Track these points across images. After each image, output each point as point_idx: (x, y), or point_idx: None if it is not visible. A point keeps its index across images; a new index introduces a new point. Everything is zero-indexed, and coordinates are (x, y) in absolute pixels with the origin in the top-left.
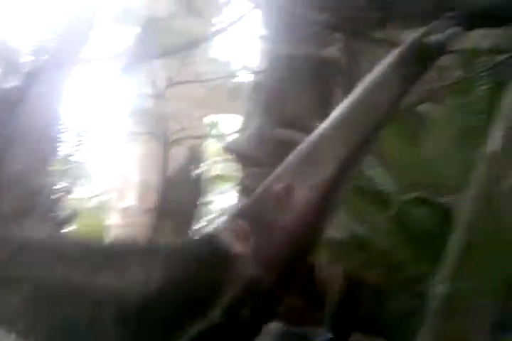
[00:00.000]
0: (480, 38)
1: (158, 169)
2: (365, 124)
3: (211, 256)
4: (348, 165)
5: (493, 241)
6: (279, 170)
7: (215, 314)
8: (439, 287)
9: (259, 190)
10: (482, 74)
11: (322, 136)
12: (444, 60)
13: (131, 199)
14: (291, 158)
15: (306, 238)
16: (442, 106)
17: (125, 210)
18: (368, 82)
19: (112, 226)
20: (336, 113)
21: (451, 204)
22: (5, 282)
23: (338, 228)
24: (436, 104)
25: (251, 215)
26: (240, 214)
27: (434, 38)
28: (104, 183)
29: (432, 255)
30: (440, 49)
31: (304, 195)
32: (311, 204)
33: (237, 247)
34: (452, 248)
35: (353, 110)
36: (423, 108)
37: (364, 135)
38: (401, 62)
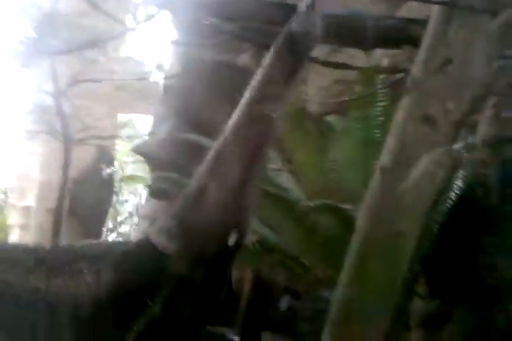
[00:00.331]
0: (380, 56)
1: (61, 168)
2: (260, 126)
3: (148, 257)
4: (251, 168)
5: (384, 249)
6: (195, 174)
7: (156, 309)
8: (336, 292)
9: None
10: (380, 90)
11: (226, 143)
12: (352, 75)
13: (31, 199)
14: (203, 163)
15: (224, 236)
16: (347, 119)
17: (25, 210)
18: (257, 80)
19: (13, 226)
20: (232, 119)
21: (354, 211)
22: None
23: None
24: (342, 116)
25: (177, 216)
26: (168, 214)
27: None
28: (4, 182)
29: (335, 260)
30: (308, 40)
31: (215, 195)
32: (222, 204)
33: (169, 247)
34: (349, 255)
35: (245, 115)
36: (331, 119)
37: (261, 137)
38: (280, 53)
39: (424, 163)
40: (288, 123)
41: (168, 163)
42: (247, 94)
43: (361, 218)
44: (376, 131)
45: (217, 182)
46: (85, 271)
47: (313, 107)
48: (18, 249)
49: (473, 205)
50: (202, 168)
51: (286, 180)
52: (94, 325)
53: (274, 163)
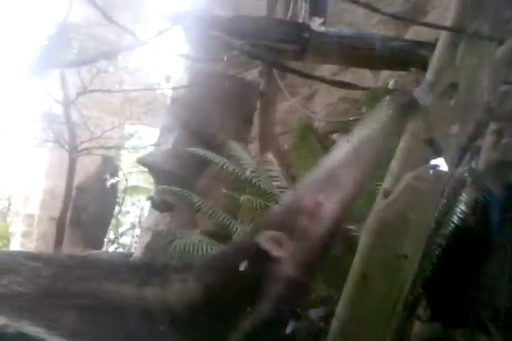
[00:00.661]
0: (387, 77)
1: (65, 177)
2: (370, 159)
3: (256, 259)
4: (360, 188)
5: (385, 271)
6: (303, 189)
7: (265, 310)
8: (337, 312)
9: (288, 203)
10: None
11: (341, 163)
12: (357, 93)
13: (34, 207)
14: (314, 179)
15: (329, 244)
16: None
17: (28, 217)
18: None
19: (15, 233)
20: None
21: (357, 232)
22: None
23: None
24: (347, 134)
25: (285, 225)
26: (273, 224)
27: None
28: (9, 189)
29: (337, 280)
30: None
31: (330, 209)
32: (335, 217)
33: (277, 252)
34: (351, 275)
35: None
36: (336, 137)
37: (370, 167)
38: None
39: (406, 179)
40: (293, 140)
41: (172, 175)
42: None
43: (363, 239)
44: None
45: (332, 198)
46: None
47: (319, 124)
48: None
49: (474, 229)
50: (313, 185)
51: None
52: (193, 332)
53: (278, 180)
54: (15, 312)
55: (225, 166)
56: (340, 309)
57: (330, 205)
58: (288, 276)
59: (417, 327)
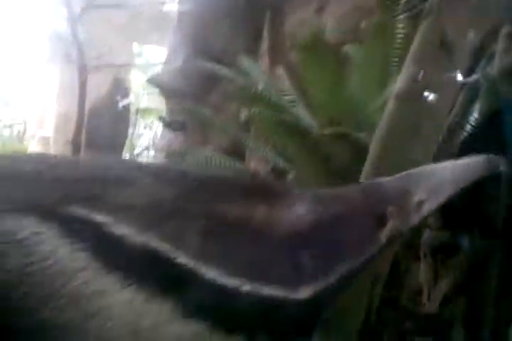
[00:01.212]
0: None
1: (77, 99)
2: None
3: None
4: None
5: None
6: (413, 180)
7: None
8: None
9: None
10: (400, 16)
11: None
12: (372, 2)
13: (49, 130)
14: (424, 177)
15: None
16: (365, 48)
17: (43, 140)
18: None
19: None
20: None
21: (368, 140)
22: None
23: (261, 162)
24: (359, 44)
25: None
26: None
27: None
28: (24, 112)
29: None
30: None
31: (429, 207)
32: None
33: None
34: (362, 180)
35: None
36: (348, 48)
37: None
38: None
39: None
40: (304, 54)
41: (183, 94)
42: None
43: (374, 145)
44: (394, 59)
45: (434, 199)
46: None
47: (330, 36)
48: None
49: (486, 136)
50: (421, 183)
51: (301, 110)
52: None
53: (290, 94)
54: (141, 224)
55: (235, 80)
56: None
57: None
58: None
59: (426, 234)
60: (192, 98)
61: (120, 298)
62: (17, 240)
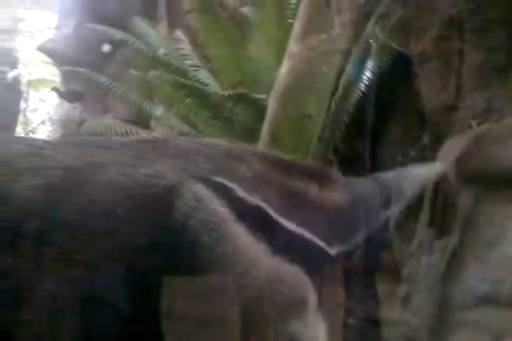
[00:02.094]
0: None
1: None
2: None
3: None
4: None
5: (293, 131)
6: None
7: None
8: None
9: None
10: None
11: None
12: None
13: None
14: None
15: None
16: (263, 10)
17: None
18: None
19: None
20: None
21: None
22: None
23: (167, 127)
24: (256, 7)
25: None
26: None
27: None
28: None
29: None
30: None
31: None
32: None
33: None
34: (261, 138)
35: None
36: (246, 11)
37: None
38: None
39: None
40: (203, 18)
41: (77, 62)
42: None
43: (271, 104)
44: (289, 21)
45: None
46: None
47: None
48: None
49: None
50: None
51: (204, 75)
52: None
53: (191, 59)
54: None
55: (130, 43)
56: None
57: None
58: None
59: None
60: (88, 66)
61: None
62: (197, 199)
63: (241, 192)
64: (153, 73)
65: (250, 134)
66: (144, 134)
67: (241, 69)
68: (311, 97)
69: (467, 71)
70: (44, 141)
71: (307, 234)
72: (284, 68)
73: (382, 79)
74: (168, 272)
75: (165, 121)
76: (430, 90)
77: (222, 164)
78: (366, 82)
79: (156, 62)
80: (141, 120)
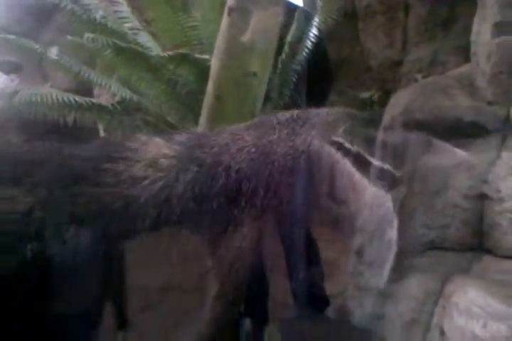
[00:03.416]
0: None
1: None
2: None
3: None
4: None
5: (237, 89)
6: None
7: None
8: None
9: None
10: None
11: None
12: None
13: None
14: None
15: None
16: None
17: None
18: None
19: None
20: None
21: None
22: None
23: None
24: None
25: None
26: None
27: None
28: None
29: (199, 113)
30: None
31: None
32: None
33: None
34: (206, 98)
35: None
36: None
37: None
38: None
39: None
40: None
41: (8, 30)
42: None
43: (214, 62)
44: None
45: None
46: None
47: None
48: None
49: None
50: None
51: (144, 38)
52: None
53: (130, 21)
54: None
55: (63, 6)
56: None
57: None
58: None
59: None
60: (21, 34)
61: None
62: (331, 156)
63: (347, 145)
64: (88, 36)
65: (195, 97)
66: (82, 101)
67: (183, 30)
68: (253, 54)
69: (412, 25)
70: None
71: (386, 166)
72: (224, 24)
73: (329, 35)
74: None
75: (106, 88)
76: (376, 45)
77: (330, 128)
78: (313, 40)
79: (92, 25)
80: (83, 88)
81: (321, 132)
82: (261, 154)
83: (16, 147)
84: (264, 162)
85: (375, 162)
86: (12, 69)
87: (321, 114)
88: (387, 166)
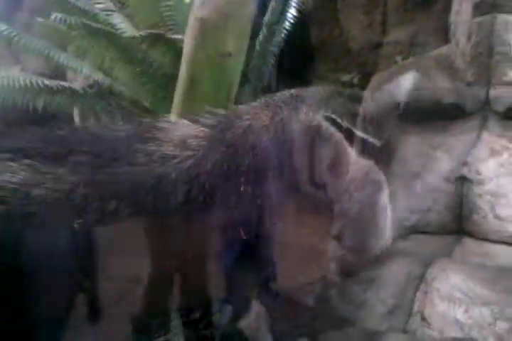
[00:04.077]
0: None
1: None
2: None
3: None
4: None
5: (212, 70)
6: None
7: None
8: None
9: None
10: None
11: None
12: None
13: None
14: None
15: None
16: None
17: None
18: None
19: None
20: None
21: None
22: None
23: (79, 79)
24: None
25: None
26: None
27: None
28: None
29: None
30: None
31: None
32: None
33: None
34: (179, 81)
35: None
36: None
37: None
38: None
39: None
40: None
41: None
42: None
43: (187, 42)
44: None
45: None
46: None
47: None
48: None
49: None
50: None
51: (117, 20)
52: None
53: (102, 3)
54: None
55: None
56: (173, 114)
57: None
58: None
59: None
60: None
61: None
62: (327, 129)
63: (339, 120)
64: (56, 16)
65: (171, 79)
66: (52, 85)
67: (157, 11)
68: (228, 34)
69: (392, 5)
70: None
71: (370, 138)
72: (196, 2)
73: (307, 16)
74: None
75: (79, 72)
76: (356, 27)
77: (325, 104)
78: (291, 20)
79: (63, 6)
80: (58, 74)
81: (317, 108)
82: (279, 132)
83: (59, 130)
84: (284, 139)
85: (361, 135)
86: None
87: (314, 91)
88: (371, 139)
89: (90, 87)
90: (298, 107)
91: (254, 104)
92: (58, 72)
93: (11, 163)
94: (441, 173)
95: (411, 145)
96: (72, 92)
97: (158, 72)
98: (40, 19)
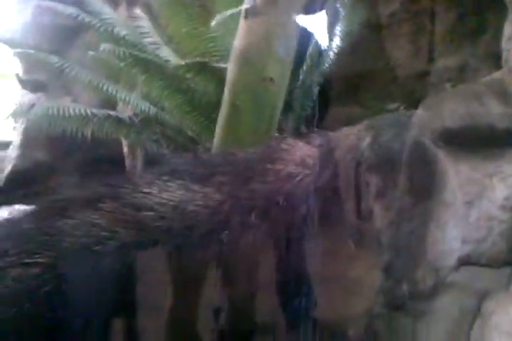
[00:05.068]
0: None
1: None
2: None
3: None
4: None
5: (254, 96)
6: None
7: None
8: (215, 143)
9: None
10: None
11: None
12: None
13: None
14: None
15: None
16: None
17: None
18: None
19: None
20: None
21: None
22: None
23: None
24: None
25: None
26: None
27: None
28: None
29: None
30: None
31: None
32: None
33: None
34: (222, 107)
35: None
36: None
37: None
38: None
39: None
40: None
41: (38, 50)
42: None
43: (230, 69)
44: None
45: None
46: None
47: None
48: None
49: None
50: None
51: (165, 53)
52: None
53: (151, 36)
54: None
55: (87, 22)
56: (216, 141)
57: None
58: None
59: None
60: (50, 53)
61: None
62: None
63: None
64: (105, 47)
65: (214, 107)
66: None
67: (205, 45)
68: (270, 59)
69: (439, 33)
70: None
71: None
72: (241, 30)
73: (352, 46)
74: None
75: (127, 102)
76: (402, 55)
77: None
78: (335, 50)
79: (115, 40)
80: (108, 105)
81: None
82: (383, 152)
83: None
84: (387, 159)
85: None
86: (38, 87)
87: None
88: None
89: (136, 115)
90: (402, 130)
91: (358, 125)
92: (109, 103)
93: (169, 184)
94: (496, 201)
95: (463, 172)
96: (119, 121)
97: (202, 101)
98: (91, 52)
